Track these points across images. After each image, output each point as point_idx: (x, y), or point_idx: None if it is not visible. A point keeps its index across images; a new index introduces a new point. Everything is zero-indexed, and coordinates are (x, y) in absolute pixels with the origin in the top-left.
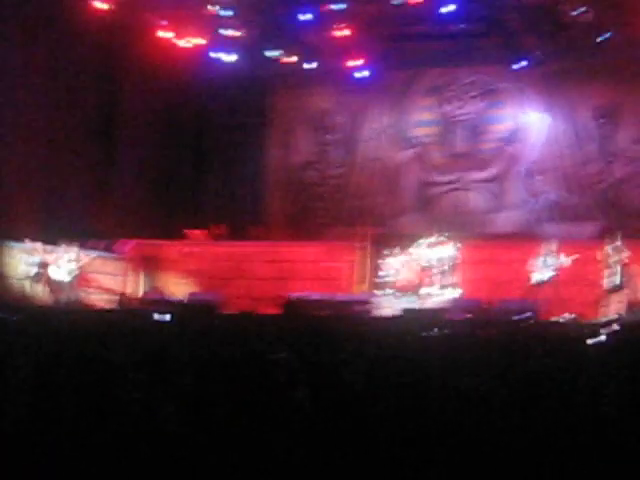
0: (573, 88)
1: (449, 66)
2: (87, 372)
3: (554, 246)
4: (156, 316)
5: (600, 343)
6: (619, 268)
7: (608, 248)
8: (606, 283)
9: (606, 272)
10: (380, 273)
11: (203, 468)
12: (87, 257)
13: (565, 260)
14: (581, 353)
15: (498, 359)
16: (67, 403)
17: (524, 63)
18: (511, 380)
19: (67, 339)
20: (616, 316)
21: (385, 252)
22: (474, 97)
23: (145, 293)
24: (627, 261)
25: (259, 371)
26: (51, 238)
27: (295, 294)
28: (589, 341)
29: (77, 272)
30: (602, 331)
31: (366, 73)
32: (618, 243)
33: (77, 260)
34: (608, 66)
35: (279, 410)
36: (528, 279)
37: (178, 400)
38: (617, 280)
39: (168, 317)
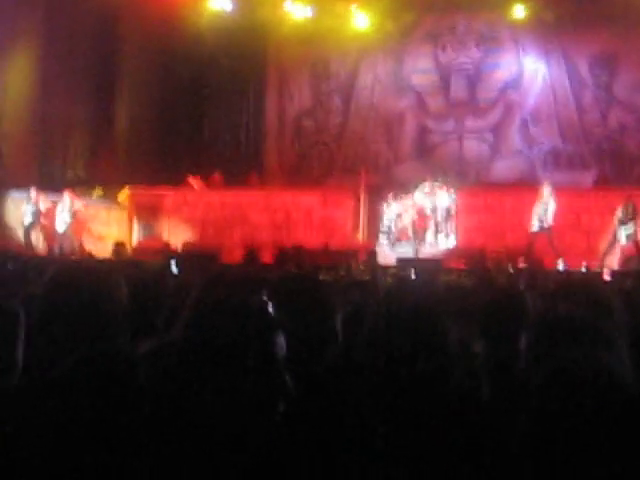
0: (570, 36)
1: (446, 14)
2: (87, 323)
3: (551, 194)
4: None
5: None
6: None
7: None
8: (620, 237)
9: (618, 215)
10: (377, 222)
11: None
12: (82, 205)
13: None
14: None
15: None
16: (64, 353)
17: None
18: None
19: (64, 288)
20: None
21: (381, 200)
22: (471, 45)
23: (140, 242)
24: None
25: (240, 317)
26: (49, 187)
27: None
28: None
29: (71, 220)
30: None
31: (364, 20)
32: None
33: (71, 208)
34: (605, 14)
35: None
36: (528, 227)
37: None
38: (631, 234)
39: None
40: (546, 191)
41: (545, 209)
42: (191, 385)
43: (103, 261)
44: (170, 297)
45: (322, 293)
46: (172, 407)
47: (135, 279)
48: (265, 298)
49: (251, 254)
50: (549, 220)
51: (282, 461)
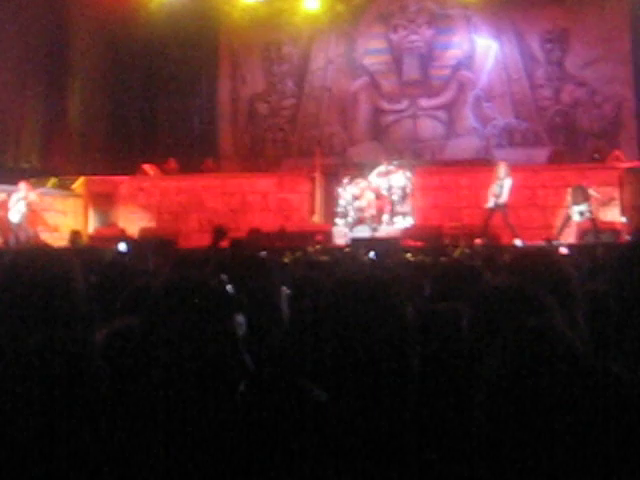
0: (521, 14)
1: None
2: (44, 309)
3: (507, 171)
4: (120, 247)
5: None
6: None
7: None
8: (574, 214)
9: (569, 198)
10: (333, 204)
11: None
12: (36, 195)
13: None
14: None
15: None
16: (21, 339)
17: None
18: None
19: (21, 276)
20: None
21: (337, 183)
22: (422, 24)
23: (96, 230)
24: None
25: (200, 298)
26: (3, 178)
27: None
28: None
29: (26, 211)
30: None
31: (315, 2)
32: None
33: (25, 199)
34: None
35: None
36: (483, 204)
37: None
38: (585, 211)
39: (123, 247)
40: (502, 169)
41: (501, 186)
42: (151, 368)
43: (59, 249)
44: (128, 282)
45: (268, 272)
46: (132, 391)
47: (91, 265)
48: (225, 278)
49: (219, 232)
50: (504, 197)
51: (245, 441)
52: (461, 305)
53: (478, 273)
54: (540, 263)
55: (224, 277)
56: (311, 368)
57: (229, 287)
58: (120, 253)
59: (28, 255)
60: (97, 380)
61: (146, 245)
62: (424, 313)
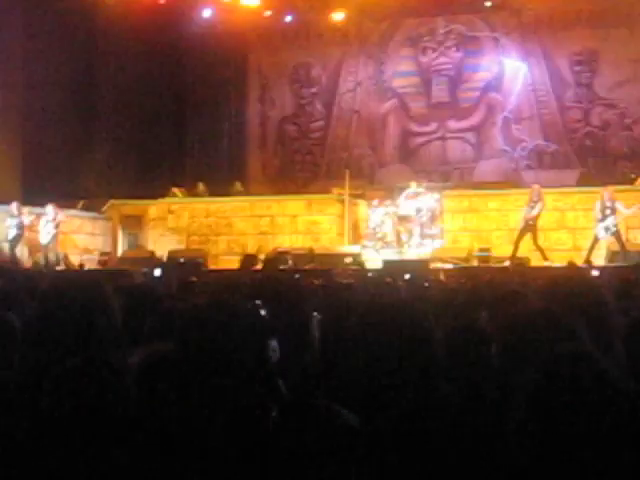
0: (549, 36)
1: (426, 16)
2: (80, 333)
3: (537, 194)
4: (155, 272)
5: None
6: (612, 216)
7: (603, 197)
8: (599, 230)
9: (594, 213)
10: (362, 226)
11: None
12: (66, 217)
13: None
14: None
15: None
16: (56, 362)
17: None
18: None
19: (59, 300)
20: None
21: (366, 205)
22: (451, 47)
23: (125, 252)
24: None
25: (234, 322)
26: (33, 200)
27: (276, 249)
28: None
29: (56, 232)
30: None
31: (344, 25)
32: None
33: (55, 220)
34: (584, 13)
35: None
36: (513, 226)
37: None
38: (611, 226)
39: (158, 272)
40: (535, 192)
41: (532, 207)
42: (184, 392)
43: (92, 272)
44: (160, 304)
45: (301, 296)
46: (164, 416)
47: (125, 289)
48: (259, 302)
49: (249, 259)
50: (534, 220)
51: (278, 466)
52: (491, 329)
53: (514, 296)
54: (574, 286)
55: (258, 302)
56: (342, 392)
57: (263, 312)
58: (155, 278)
59: (64, 279)
60: (129, 404)
61: (173, 267)
62: (454, 336)
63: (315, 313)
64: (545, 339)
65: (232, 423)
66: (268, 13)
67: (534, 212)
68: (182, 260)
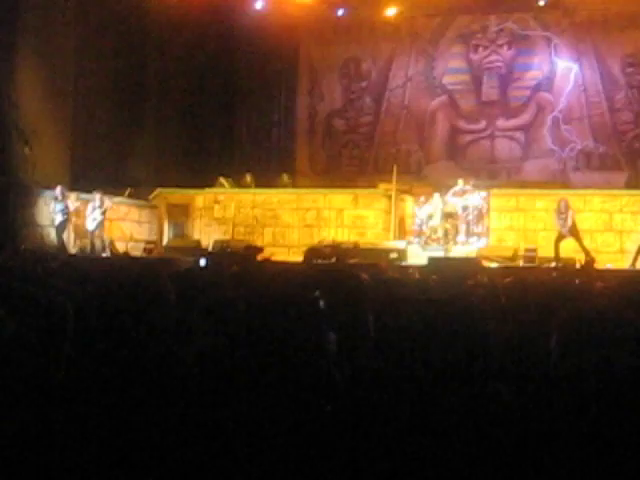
0: (601, 37)
1: (478, 13)
2: (140, 322)
3: (564, 205)
4: (201, 262)
5: None
6: None
7: None
8: None
9: None
10: (408, 222)
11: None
12: (112, 204)
13: None
14: None
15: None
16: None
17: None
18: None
19: (117, 289)
20: None
21: (412, 200)
22: (503, 45)
23: (171, 241)
24: None
25: (293, 313)
26: (81, 186)
27: (322, 241)
28: None
29: (102, 219)
30: None
31: (396, 20)
32: None
33: (102, 207)
34: (638, 15)
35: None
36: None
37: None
38: None
39: (204, 262)
40: (562, 204)
41: (563, 219)
42: (244, 383)
43: (141, 259)
44: (213, 293)
45: (361, 290)
46: (226, 404)
47: (177, 276)
48: (317, 294)
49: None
50: (570, 230)
51: (334, 458)
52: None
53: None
54: None
55: (317, 293)
56: (396, 386)
57: (322, 303)
58: (200, 267)
59: (121, 267)
60: (191, 394)
61: (228, 255)
62: (509, 334)
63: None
64: (605, 341)
65: (287, 414)
66: (321, 6)
67: (569, 223)
68: (234, 249)
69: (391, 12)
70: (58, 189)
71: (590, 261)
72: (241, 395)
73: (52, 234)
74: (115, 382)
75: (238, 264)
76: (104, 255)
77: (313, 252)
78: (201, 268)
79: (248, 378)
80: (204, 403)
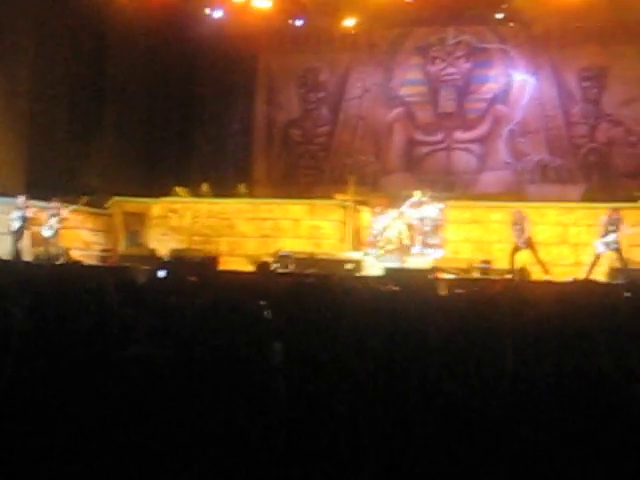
0: (559, 50)
1: (436, 26)
2: (79, 326)
3: (519, 216)
4: (159, 273)
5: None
6: (614, 233)
7: (609, 214)
8: (599, 245)
9: (601, 234)
10: (364, 232)
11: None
12: (69, 212)
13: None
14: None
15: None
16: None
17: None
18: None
19: (58, 292)
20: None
21: (368, 212)
22: (460, 57)
23: (126, 249)
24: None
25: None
26: (38, 194)
27: (278, 252)
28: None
29: (59, 227)
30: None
31: (354, 32)
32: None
33: (59, 215)
34: (595, 29)
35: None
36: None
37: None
38: (611, 242)
39: (163, 273)
40: (517, 215)
41: (519, 230)
42: (183, 390)
43: (92, 267)
44: (161, 302)
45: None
46: (164, 412)
47: (124, 284)
48: (263, 304)
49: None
50: (526, 241)
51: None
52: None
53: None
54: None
55: (263, 303)
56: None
57: (267, 313)
58: (158, 276)
59: (63, 272)
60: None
61: (184, 266)
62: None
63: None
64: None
65: (230, 422)
66: (280, 16)
67: (524, 235)
68: (191, 259)
69: (349, 23)
70: (21, 198)
71: (524, 271)
72: (175, 403)
73: (8, 242)
74: (45, 385)
75: (196, 274)
76: (58, 262)
77: (266, 263)
78: (161, 279)
79: (183, 385)
80: (138, 410)
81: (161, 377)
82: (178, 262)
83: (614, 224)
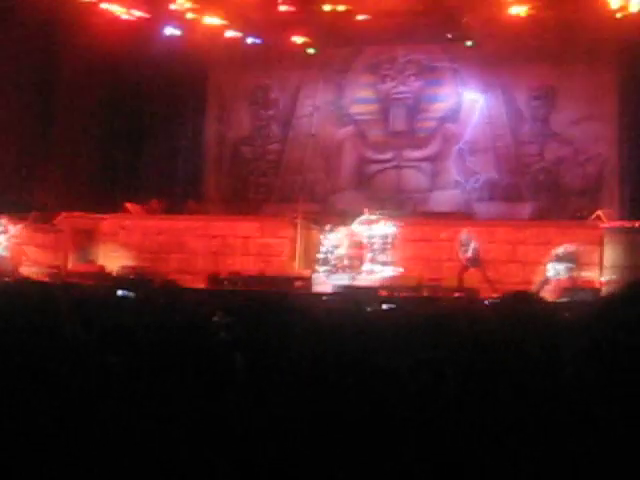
0: (508, 70)
1: (386, 44)
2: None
3: (466, 237)
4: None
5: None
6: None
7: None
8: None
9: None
10: (314, 251)
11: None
12: (17, 229)
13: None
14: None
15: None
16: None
17: (469, 43)
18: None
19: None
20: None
21: (318, 229)
22: (410, 76)
23: (75, 266)
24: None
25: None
26: None
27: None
28: None
29: (6, 244)
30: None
31: (305, 49)
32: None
33: (6, 232)
34: (544, 48)
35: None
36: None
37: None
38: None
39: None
40: (464, 236)
41: (466, 251)
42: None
43: (41, 284)
44: (113, 319)
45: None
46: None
47: (74, 301)
48: (219, 319)
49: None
50: (470, 261)
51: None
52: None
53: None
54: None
55: (217, 317)
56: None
57: (226, 326)
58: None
59: (11, 289)
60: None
61: (125, 282)
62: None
63: None
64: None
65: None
66: (230, 33)
67: (471, 254)
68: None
69: (299, 41)
70: None
71: (472, 290)
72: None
73: None
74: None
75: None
76: (5, 280)
77: (217, 279)
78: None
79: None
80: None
81: (117, 387)
82: (123, 280)
83: (569, 257)
